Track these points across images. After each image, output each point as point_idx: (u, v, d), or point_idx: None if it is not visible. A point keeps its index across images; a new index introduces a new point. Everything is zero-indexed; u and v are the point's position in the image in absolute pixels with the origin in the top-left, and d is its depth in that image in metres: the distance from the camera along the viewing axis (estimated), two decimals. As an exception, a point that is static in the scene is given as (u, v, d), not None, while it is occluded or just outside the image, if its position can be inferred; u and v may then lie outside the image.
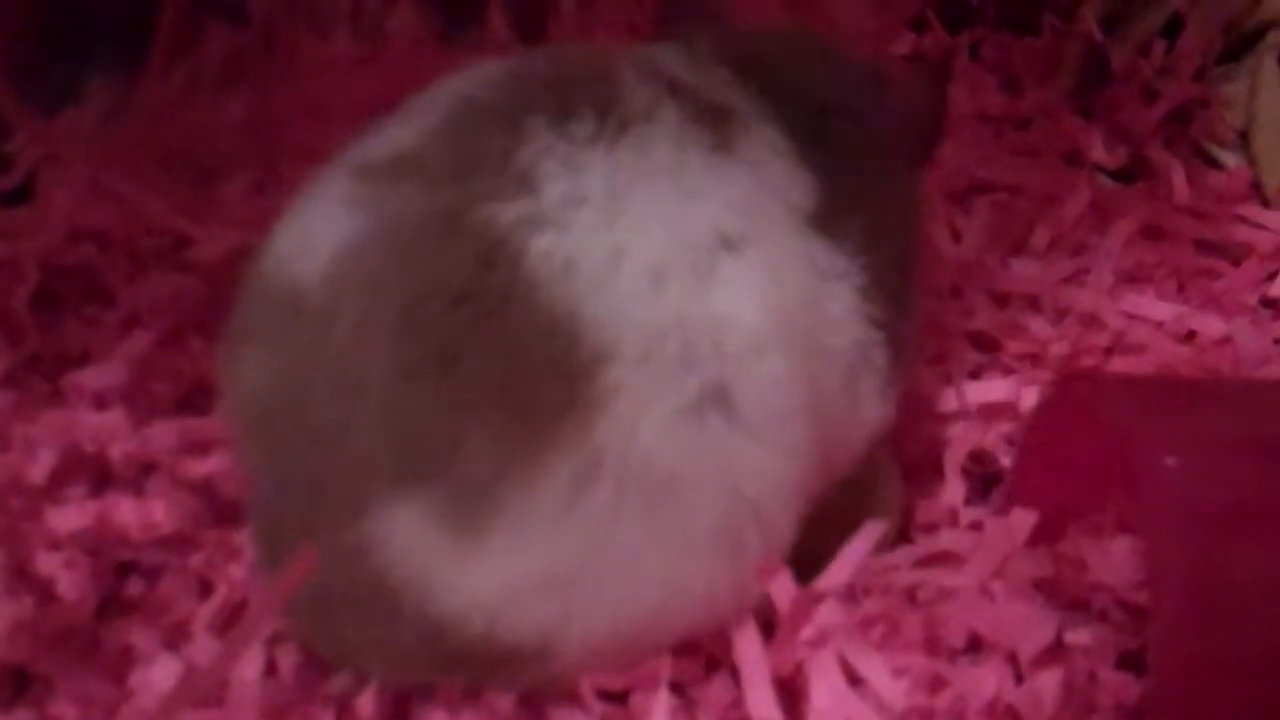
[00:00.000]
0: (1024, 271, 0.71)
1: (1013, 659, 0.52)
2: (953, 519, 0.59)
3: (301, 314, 0.47)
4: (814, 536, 0.53)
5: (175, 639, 0.55)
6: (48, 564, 0.55)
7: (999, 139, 0.81)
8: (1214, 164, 0.80)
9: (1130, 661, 0.52)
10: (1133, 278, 0.72)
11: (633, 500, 0.46)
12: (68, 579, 0.55)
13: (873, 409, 0.53)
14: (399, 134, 0.49)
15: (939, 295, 0.69)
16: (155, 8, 0.78)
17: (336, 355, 0.46)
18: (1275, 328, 0.69)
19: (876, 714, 0.49)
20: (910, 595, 0.55)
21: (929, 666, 0.51)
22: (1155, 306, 0.69)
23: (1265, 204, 0.77)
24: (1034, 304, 0.70)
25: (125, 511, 0.57)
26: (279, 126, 0.77)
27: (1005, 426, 0.62)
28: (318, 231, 0.48)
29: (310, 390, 0.47)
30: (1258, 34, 0.82)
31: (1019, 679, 0.51)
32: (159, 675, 0.53)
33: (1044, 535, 0.55)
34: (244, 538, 0.56)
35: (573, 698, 0.51)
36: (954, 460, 0.61)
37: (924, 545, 0.57)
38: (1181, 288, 0.72)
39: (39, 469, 0.58)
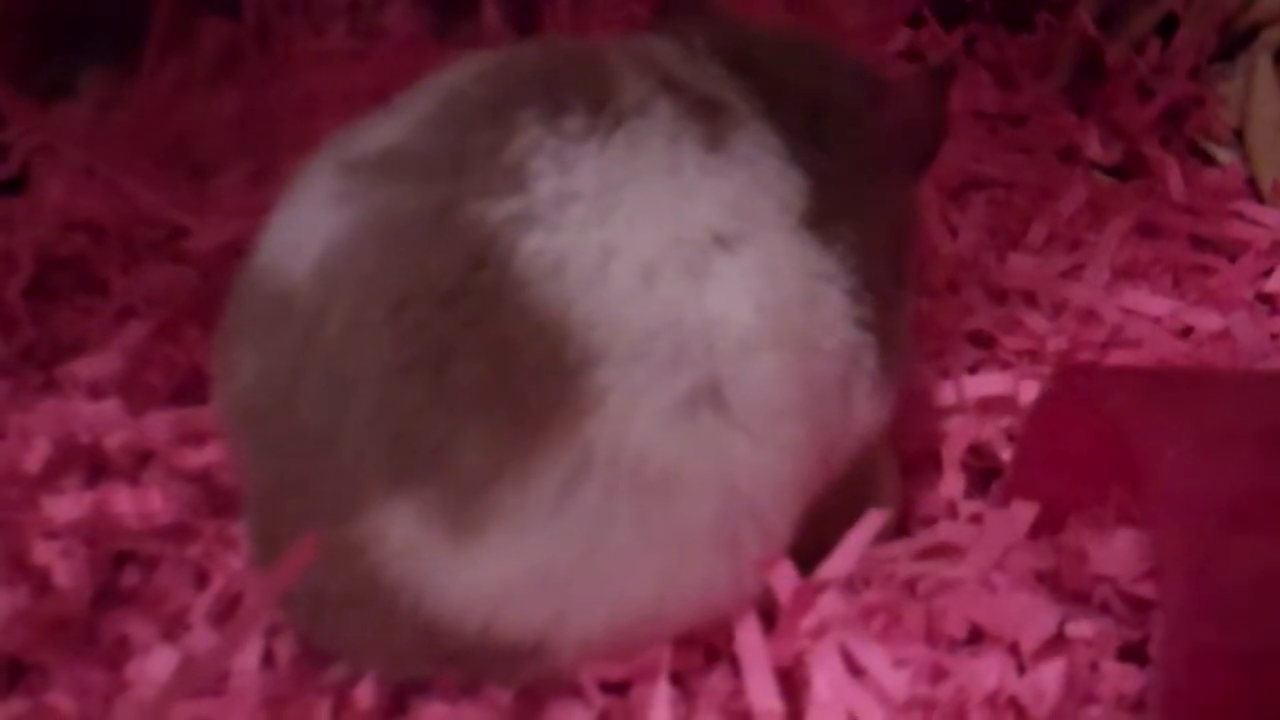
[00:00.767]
0: (1021, 267, 0.71)
1: (1014, 650, 0.52)
2: (952, 511, 0.59)
3: (291, 312, 0.47)
4: (814, 531, 0.53)
5: (172, 629, 0.55)
6: (44, 553, 0.55)
7: (994, 135, 0.81)
8: (1209, 161, 0.80)
9: (1132, 653, 0.53)
10: (1129, 273, 0.72)
11: (625, 498, 0.46)
12: (64, 568, 0.55)
13: (865, 410, 0.53)
14: (387, 128, 0.49)
15: (936, 292, 0.69)
16: (150, 1, 0.78)
17: (327, 354, 0.46)
18: (1273, 323, 0.69)
19: (878, 704, 0.49)
20: (911, 587, 0.54)
21: (930, 657, 0.51)
22: (1152, 302, 0.69)
23: (1260, 200, 0.77)
24: (1031, 300, 0.70)
25: (122, 501, 0.57)
26: (274, 119, 0.76)
27: (1004, 420, 0.62)
28: (306, 228, 0.48)
29: (301, 389, 0.46)
30: (1252, 32, 0.82)
31: (1021, 670, 0.51)
32: (156, 666, 0.53)
33: (1044, 527, 0.55)
34: (241, 528, 0.56)
35: (572, 690, 0.51)
36: (953, 454, 0.61)
37: (924, 537, 0.57)
38: (1177, 283, 0.72)
39: (34, 459, 0.58)
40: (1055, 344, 0.67)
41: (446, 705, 0.51)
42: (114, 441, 0.59)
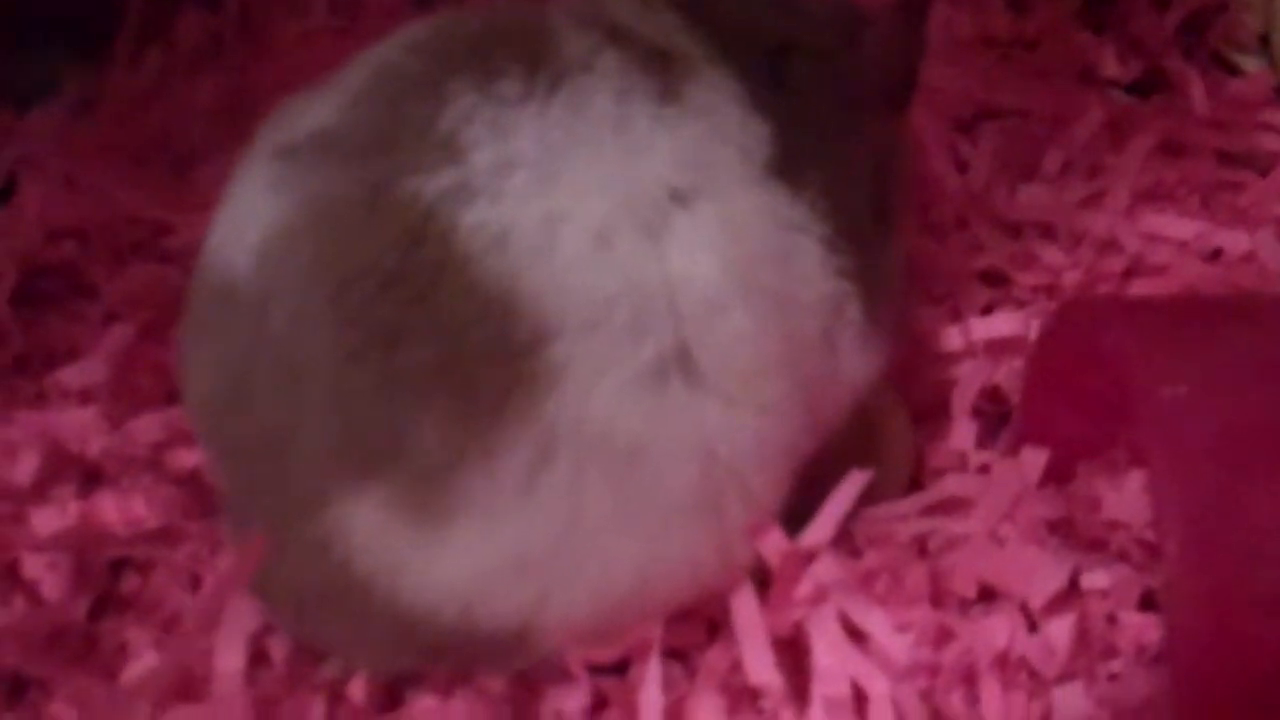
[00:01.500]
0: (1035, 199, 0.68)
1: (1026, 607, 0.49)
2: (961, 463, 0.56)
3: (237, 307, 0.45)
4: (819, 493, 0.50)
5: (166, 634, 0.54)
6: (33, 567, 0.54)
7: (1006, 62, 0.77)
8: (1234, 70, 0.76)
9: (1153, 602, 0.50)
10: (1152, 197, 0.68)
11: (596, 474, 0.44)
12: (51, 581, 0.54)
13: (854, 363, 0.50)
14: (320, 108, 0.47)
15: (943, 230, 0.66)
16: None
17: (274, 348, 0.44)
18: (1305, 240, 0.65)
19: (881, 671, 0.47)
20: (919, 545, 0.52)
21: (935, 619, 0.48)
22: (1176, 225, 0.66)
23: (1291, 109, 0.73)
24: (1047, 232, 0.67)
25: (107, 509, 0.56)
26: (256, 106, 0.74)
27: (1017, 362, 0.59)
28: (244, 219, 0.46)
29: (253, 385, 0.45)
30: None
31: (1032, 628, 0.48)
32: (145, 673, 0.51)
33: (1058, 474, 0.52)
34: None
35: (567, 675, 0.49)
36: (963, 401, 0.58)
37: (930, 493, 0.54)
38: (1205, 204, 0.69)
39: (23, 471, 0.57)
40: (1072, 277, 0.63)
41: (438, 698, 0.49)
42: (102, 449, 0.58)
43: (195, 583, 0.56)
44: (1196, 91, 0.73)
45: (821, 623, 0.48)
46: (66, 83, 0.75)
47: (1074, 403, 0.52)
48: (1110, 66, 0.75)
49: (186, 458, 0.58)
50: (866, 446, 0.55)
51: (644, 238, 0.44)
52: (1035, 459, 0.52)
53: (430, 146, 0.44)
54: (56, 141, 0.72)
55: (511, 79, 0.45)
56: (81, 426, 0.58)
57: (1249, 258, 0.64)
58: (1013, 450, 0.54)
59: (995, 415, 0.60)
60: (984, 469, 0.55)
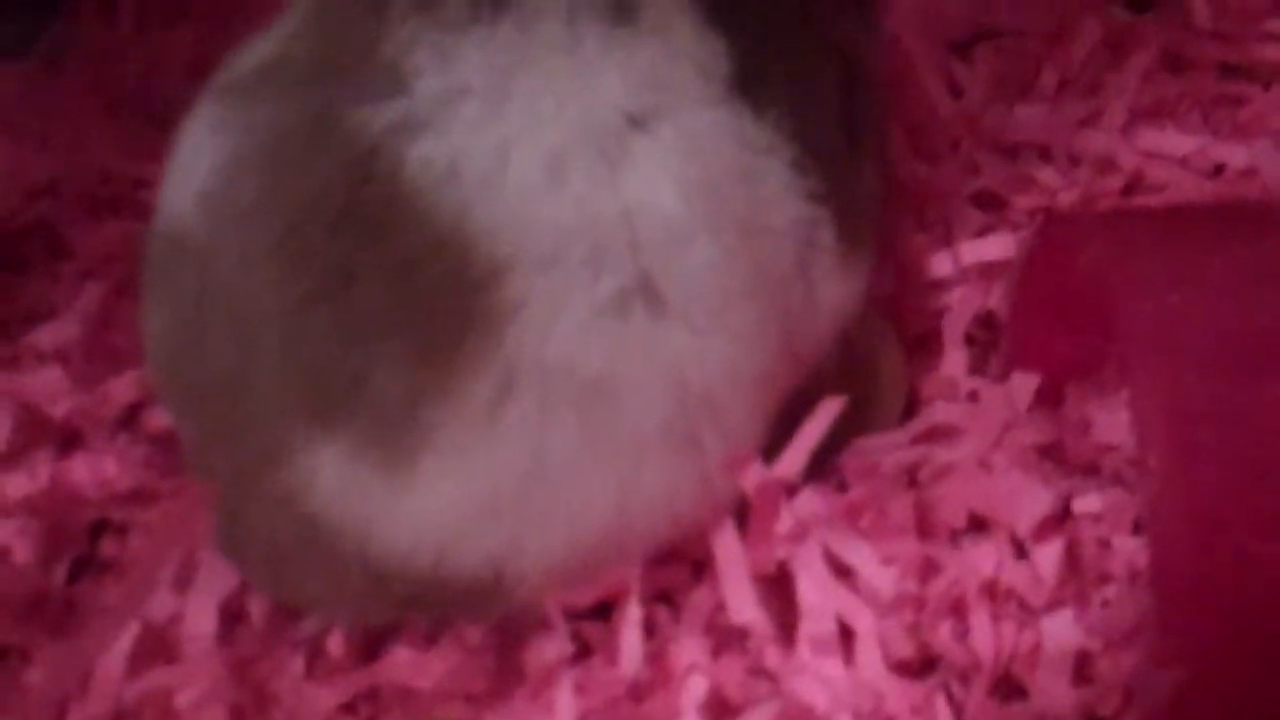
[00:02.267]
0: (1032, 119, 0.66)
1: (1015, 535, 0.47)
2: (951, 391, 0.54)
3: (186, 254, 0.44)
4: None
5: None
6: (3, 532, 0.53)
7: (1003, -18, 0.75)
8: (1237, -21, 0.73)
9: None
10: (1152, 114, 0.66)
11: (561, 408, 0.43)
12: (22, 546, 0.53)
13: (831, 291, 0.49)
14: (261, 46, 0.45)
15: (937, 155, 0.64)
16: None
17: (224, 296, 0.43)
18: (1307, 150, 0.62)
19: (867, 606, 0.46)
20: (908, 476, 0.50)
21: (921, 551, 0.47)
22: (1175, 141, 0.63)
23: (1294, 17, 0.70)
24: (1044, 153, 0.65)
25: (80, 471, 0.55)
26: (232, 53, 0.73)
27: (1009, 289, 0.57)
28: (189, 163, 0.45)
29: (207, 335, 0.44)
30: None
31: (1022, 556, 0.47)
32: (119, 636, 0.50)
33: (1049, 397, 0.51)
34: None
35: (547, 623, 0.48)
36: (955, 329, 0.57)
37: (919, 422, 0.52)
38: (1206, 119, 0.66)
39: (-2, 437, 0.56)
40: (1068, 198, 0.61)
41: (417, 649, 0.48)
42: (75, 410, 0.57)
43: (173, 544, 0.54)
44: (1197, 2, 0.70)
45: (805, 559, 0.47)
46: (38, 38, 0.73)
47: (1062, 323, 0.50)
48: (1107, -20, 0.73)
49: (161, 417, 0.57)
50: (858, 380, 0.53)
51: (600, 166, 0.43)
52: (1025, 384, 0.50)
53: (373, 74, 0.42)
54: (29, 98, 0.70)
55: (455, 3, 0.43)
56: (54, 388, 0.57)
57: (1250, 172, 0.62)
58: (1002, 375, 0.52)
59: (989, 342, 0.58)
60: (973, 396, 0.53)
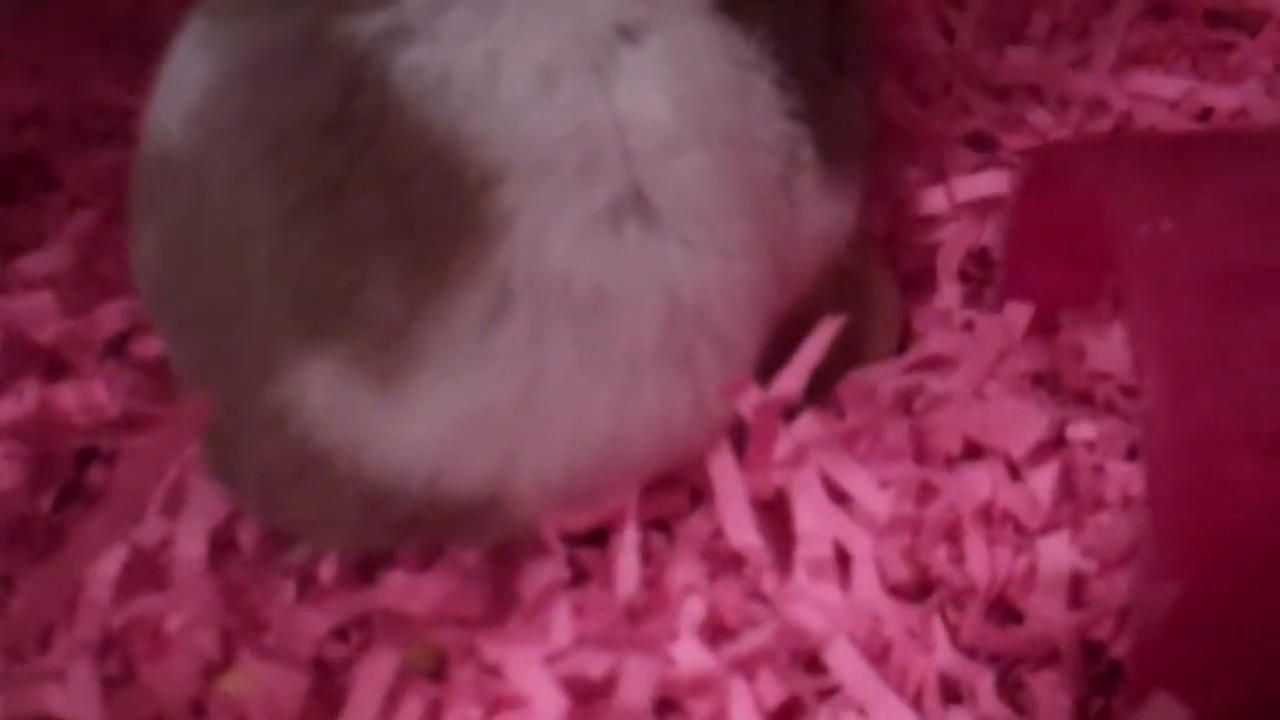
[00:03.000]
0: (1023, 61, 0.66)
1: (1010, 460, 0.47)
2: (946, 322, 0.54)
3: (176, 171, 0.44)
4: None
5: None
6: (-11, 457, 0.53)
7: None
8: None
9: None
10: (1141, 58, 0.66)
11: (556, 324, 0.43)
12: (9, 471, 0.52)
13: (815, 212, 0.49)
14: None
15: (929, 95, 0.64)
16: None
17: (214, 212, 0.43)
18: (1296, 93, 0.63)
19: (864, 529, 0.46)
20: (903, 404, 0.51)
21: (917, 475, 0.47)
22: (1165, 84, 0.64)
23: (1282, -36, 0.70)
24: (1035, 95, 0.65)
25: (66, 397, 0.54)
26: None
27: (1002, 218, 0.57)
28: (177, 82, 0.44)
29: (196, 254, 0.43)
30: None
31: (1017, 481, 0.47)
32: (107, 562, 0.50)
33: (1044, 327, 0.51)
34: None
35: (544, 547, 0.48)
36: (949, 263, 0.57)
37: (915, 351, 0.53)
38: (1195, 65, 0.67)
39: (-15, 361, 0.55)
40: (1059, 138, 0.61)
41: (411, 574, 0.48)
42: (63, 336, 0.56)
43: (161, 471, 0.54)
44: (1186, -50, 0.70)
45: (803, 484, 0.47)
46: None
47: (1056, 253, 0.50)
48: (1099, -74, 0.73)
49: (151, 345, 0.56)
50: (854, 312, 0.53)
51: (591, 76, 0.43)
52: (1019, 313, 0.50)
53: None
54: (20, 29, 0.69)
55: None
56: (42, 314, 0.57)
57: (1239, 114, 0.62)
58: (997, 306, 0.52)
59: (983, 278, 0.58)
60: (968, 326, 0.53)
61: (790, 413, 0.48)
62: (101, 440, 0.55)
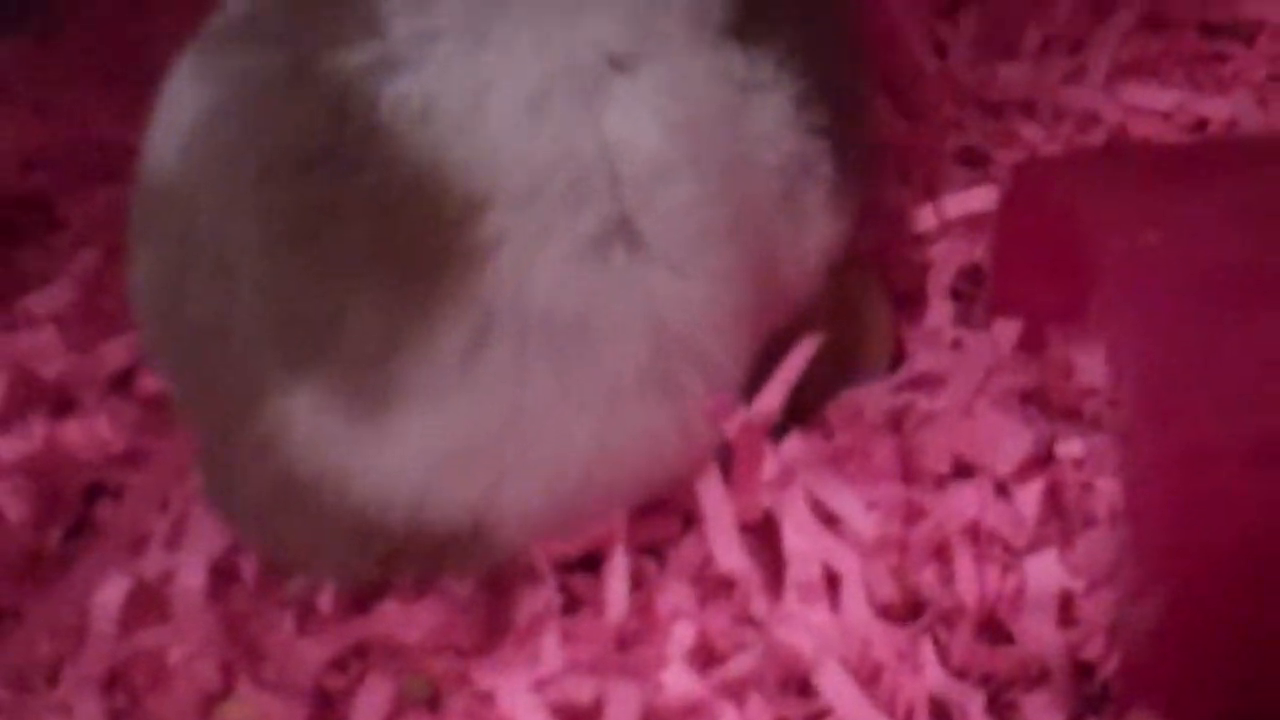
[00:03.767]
0: (1016, 76, 0.66)
1: (997, 478, 0.48)
2: (936, 340, 0.55)
3: (168, 204, 0.44)
4: (805, 374, 0.49)
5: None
6: (-2, 495, 0.54)
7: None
8: (1219, -64, 0.73)
9: (1130, 468, 0.48)
10: (1135, 71, 0.66)
11: (539, 352, 0.43)
12: (16, 508, 0.53)
13: (823, 222, 0.49)
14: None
15: (921, 112, 0.64)
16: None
17: (204, 240, 0.44)
18: (1290, 102, 0.63)
19: (852, 550, 0.46)
20: (892, 423, 0.51)
21: (904, 495, 0.47)
22: (1158, 96, 0.64)
23: (1276, -27, 0.70)
24: (1028, 110, 0.65)
25: (72, 433, 0.55)
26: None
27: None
28: (171, 114, 0.45)
29: (186, 281, 0.44)
30: None
31: (1005, 498, 0.47)
32: (111, 595, 0.51)
33: (1033, 344, 0.51)
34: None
35: (535, 575, 0.48)
36: (939, 281, 0.57)
37: (904, 370, 0.53)
38: (1189, 76, 0.66)
39: (-9, 398, 0.56)
40: (1051, 151, 0.62)
41: (403, 603, 0.48)
42: (69, 372, 0.57)
43: (165, 504, 0.55)
44: (1180, -38, 0.70)
45: (790, 505, 0.47)
46: (33, 8, 0.73)
47: (1042, 268, 0.50)
48: (1092, -63, 0.73)
49: (154, 380, 0.57)
50: (845, 330, 0.54)
51: (580, 103, 0.43)
52: (1008, 330, 0.51)
53: (350, 20, 0.43)
54: (25, 69, 0.71)
55: None
56: (48, 351, 0.58)
57: (1232, 125, 0.62)
58: (987, 324, 0.52)
59: (974, 296, 0.58)
60: (957, 344, 0.54)
61: (778, 432, 0.48)
62: (108, 475, 0.56)
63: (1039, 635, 0.45)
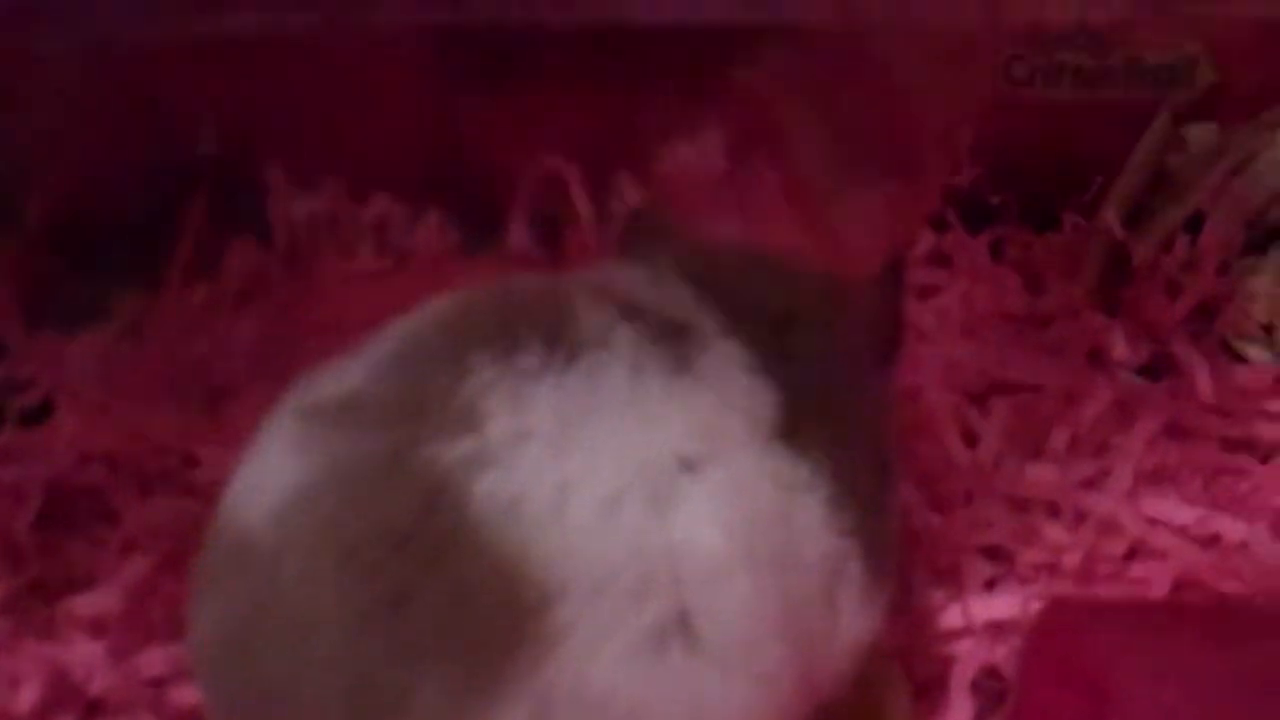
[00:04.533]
0: (1042, 476, 0.69)
1: None
2: (957, 745, 0.56)
3: (249, 560, 0.46)
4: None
5: None
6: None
7: (1020, 337, 0.79)
8: (1239, 359, 0.77)
9: None
10: (1157, 478, 0.69)
11: None
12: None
13: (854, 621, 0.51)
14: (348, 374, 0.48)
15: (949, 505, 0.67)
16: (176, 222, 0.80)
17: (283, 603, 0.45)
18: (1301, 529, 0.66)
19: None
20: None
21: None
22: (1177, 510, 0.67)
23: (1293, 398, 0.74)
24: (1052, 510, 0.68)
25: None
26: (297, 342, 0.77)
27: (1016, 641, 0.60)
28: (266, 476, 0.48)
29: (258, 640, 0.45)
30: (1283, 225, 0.80)
31: None
32: None
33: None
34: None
35: None
36: (961, 680, 0.59)
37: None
38: (1206, 487, 0.70)
39: (23, 702, 0.58)
40: (1072, 558, 0.64)
41: None
42: (104, 684, 0.59)
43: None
44: (1202, 377, 0.74)
45: None
46: (115, 307, 0.77)
47: (1067, 699, 0.52)
48: (1120, 348, 0.77)
49: (187, 696, 0.59)
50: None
51: (650, 506, 0.46)
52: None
53: (451, 416, 0.46)
54: (97, 366, 0.74)
55: (530, 353, 0.47)
56: (88, 661, 0.59)
57: (1243, 547, 0.65)
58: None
59: (994, 691, 0.60)
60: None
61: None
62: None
63: None
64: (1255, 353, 0.77)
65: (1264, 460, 0.72)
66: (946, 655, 0.60)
